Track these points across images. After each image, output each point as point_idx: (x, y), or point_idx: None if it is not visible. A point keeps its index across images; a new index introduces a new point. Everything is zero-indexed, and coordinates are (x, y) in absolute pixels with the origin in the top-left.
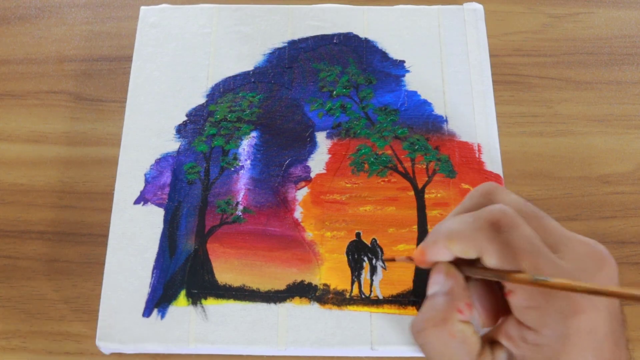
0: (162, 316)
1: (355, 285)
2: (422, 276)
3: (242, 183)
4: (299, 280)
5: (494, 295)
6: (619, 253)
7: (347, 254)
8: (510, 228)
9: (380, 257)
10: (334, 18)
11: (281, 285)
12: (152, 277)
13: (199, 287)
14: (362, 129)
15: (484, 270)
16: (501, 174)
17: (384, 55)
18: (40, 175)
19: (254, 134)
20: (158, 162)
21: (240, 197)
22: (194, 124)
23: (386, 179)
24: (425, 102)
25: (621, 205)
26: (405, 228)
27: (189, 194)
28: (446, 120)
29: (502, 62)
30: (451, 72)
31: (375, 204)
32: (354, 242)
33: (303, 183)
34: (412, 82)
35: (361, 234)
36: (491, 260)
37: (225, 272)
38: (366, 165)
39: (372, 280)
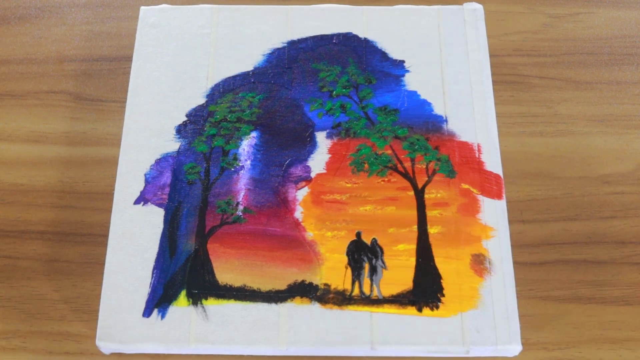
0: (163, 316)
1: (356, 285)
2: (422, 276)
3: (242, 183)
4: (299, 280)
5: None
6: (619, 253)
7: (348, 253)
8: None
9: (380, 256)
10: (333, 18)
11: (282, 285)
12: (152, 277)
13: (199, 287)
14: (362, 129)
15: None
16: (501, 174)
17: (383, 55)
18: (40, 175)
19: (254, 134)
20: (158, 162)
21: (240, 197)
22: (194, 124)
23: (386, 179)
24: (425, 102)
25: (621, 205)
26: (405, 228)
27: (189, 194)
28: (446, 120)
29: (502, 62)
30: (451, 72)
31: (376, 204)
32: (354, 242)
33: (303, 183)
34: (412, 82)
35: (361, 233)
36: None
37: (225, 272)
38: (366, 165)
39: (372, 280)
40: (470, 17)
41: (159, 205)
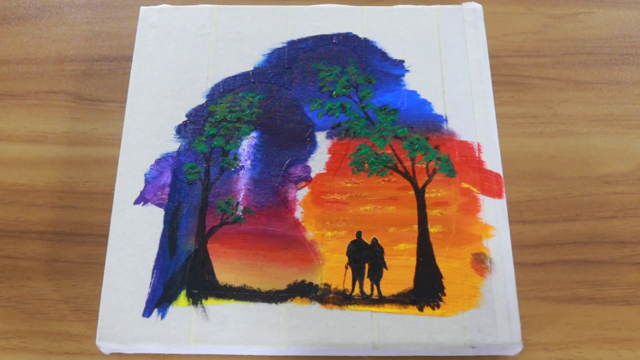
0: (163, 316)
1: (356, 284)
2: (423, 275)
3: (242, 183)
4: (299, 280)
5: None
6: (619, 253)
7: (348, 253)
8: None
9: (380, 256)
10: (333, 18)
11: (282, 285)
12: (152, 277)
13: (199, 287)
14: (362, 129)
15: None
16: (501, 173)
17: (383, 55)
18: (40, 175)
19: (254, 134)
20: (158, 162)
21: (240, 197)
22: (194, 124)
23: (386, 179)
24: (425, 102)
25: (621, 205)
26: (405, 227)
27: (189, 194)
28: (446, 120)
29: (502, 63)
30: (451, 71)
31: (376, 204)
32: (354, 242)
33: (303, 183)
34: (412, 81)
35: (362, 233)
36: None
37: (225, 272)
38: (366, 165)
39: (373, 280)
40: (469, 16)
41: (159, 205)
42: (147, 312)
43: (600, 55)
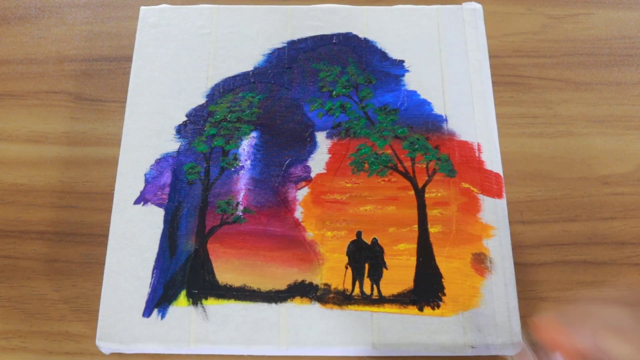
0: (163, 316)
1: (356, 284)
2: (423, 275)
3: (242, 183)
4: (299, 280)
5: None
6: (619, 254)
7: (348, 253)
8: None
9: (380, 256)
10: (333, 18)
11: (282, 285)
12: (152, 277)
13: (199, 287)
14: (362, 129)
15: None
16: (501, 173)
17: (383, 55)
18: (40, 175)
19: (254, 134)
20: (158, 162)
21: (240, 197)
22: (194, 124)
23: (386, 179)
24: (425, 102)
25: (621, 206)
26: (405, 227)
27: (189, 194)
28: (446, 120)
29: (502, 63)
30: (451, 71)
31: (376, 204)
32: (354, 242)
33: (303, 183)
34: (412, 81)
35: (362, 233)
36: None
37: (225, 272)
38: (366, 165)
39: (373, 280)
40: (469, 16)
41: (159, 205)
42: (147, 312)
43: (599, 56)
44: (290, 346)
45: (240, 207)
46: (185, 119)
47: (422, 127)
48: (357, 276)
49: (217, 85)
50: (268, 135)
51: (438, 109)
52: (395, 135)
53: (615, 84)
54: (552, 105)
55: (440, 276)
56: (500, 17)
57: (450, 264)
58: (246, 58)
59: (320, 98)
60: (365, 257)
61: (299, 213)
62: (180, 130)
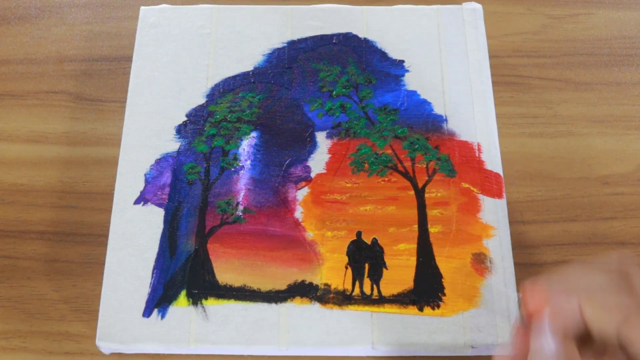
0: (163, 316)
1: (356, 284)
2: (423, 275)
3: (242, 183)
4: (299, 280)
5: None
6: None
7: (348, 253)
8: None
9: (380, 256)
10: (333, 18)
11: (282, 285)
12: (152, 277)
13: (199, 287)
14: (362, 129)
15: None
16: (501, 173)
17: (383, 55)
18: (40, 175)
19: (254, 134)
20: (158, 162)
21: (240, 197)
22: (194, 124)
23: (386, 179)
24: (425, 102)
25: (621, 206)
26: (405, 227)
27: (189, 194)
28: (446, 120)
29: (502, 63)
30: (451, 71)
31: (376, 204)
32: (354, 242)
33: (303, 183)
34: (412, 81)
35: (362, 233)
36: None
37: (225, 272)
38: (366, 165)
39: (373, 280)
40: (469, 16)
41: (159, 205)
42: (147, 312)
43: (599, 56)
44: (290, 346)
45: (240, 207)
46: (185, 119)
47: (422, 127)
48: (357, 276)
49: (217, 85)
50: (268, 135)
51: (438, 109)
52: (395, 135)
53: (615, 84)
54: (552, 105)
55: (440, 276)
56: (500, 17)
57: (450, 264)
58: (246, 58)
59: (320, 98)
60: (365, 257)
61: (299, 213)
62: (180, 130)
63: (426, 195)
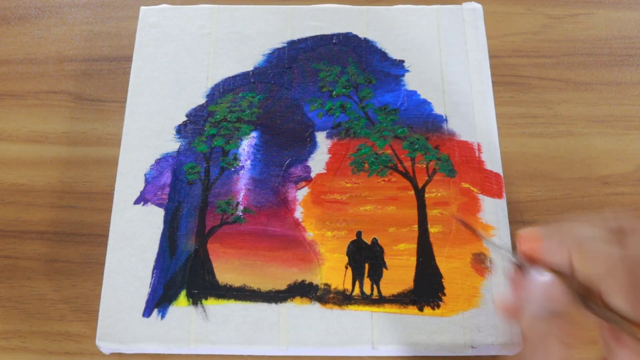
0: (163, 316)
1: (356, 284)
2: (423, 275)
3: (242, 183)
4: (299, 280)
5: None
6: None
7: (348, 253)
8: None
9: (380, 256)
10: (333, 18)
11: (282, 285)
12: (152, 277)
13: (199, 287)
14: (362, 129)
15: (589, 302)
16: (501, 173)
17: (383, 55)
18: (40, 175)
19: (254, 134)
20: (158, 162)
21: (240, 197)
22: (194, 124)
23: (386, 179)
24: (425, 102)
25: (621, 206)
26: (405, 227)
27: (189, 194)
28: (446, 120)
29: (502, 63)
30: (451, 71)
31: (376, 204)
32: (354, 242)
33: (303, 183)
34: (412, 81)
35: (362, 233)
36: (618, 291)
37: (225, 272)
38: (366, 165)
39: (373, 280)
40: (469, 16)
41: (159, 205)
42: (147, 312)
43: (599, 56)
44: (290, 346)
45: (240, 207)
46: (185, 119)
47: (422, 127)
48: (357, 276)
49: (217, 85)
50: (268, 135)
51: (438, 109)
52: (395, 135)
53: (615, 84)
54: (552, 105)
55: (440, 276)
56: (500, 17)
57: (450, 264)
58: (246, 58)
59: (320, 98)
60: (365, 257)
61: (299, 213)
62: (180, 130)
63: (426, 195)
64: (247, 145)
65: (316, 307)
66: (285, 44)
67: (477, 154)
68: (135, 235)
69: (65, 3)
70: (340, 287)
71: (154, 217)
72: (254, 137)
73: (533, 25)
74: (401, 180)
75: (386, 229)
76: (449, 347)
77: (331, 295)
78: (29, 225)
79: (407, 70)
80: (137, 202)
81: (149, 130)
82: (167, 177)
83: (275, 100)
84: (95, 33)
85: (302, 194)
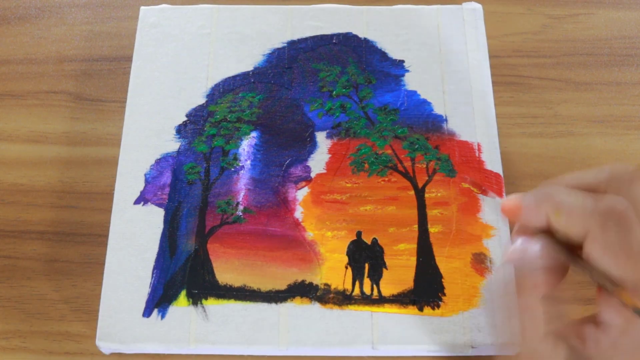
0: (163, 316)
1: (356, 284)
2: (423, 275)
3: (242, 183)
4: (299, 280)
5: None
6: None
7: (348, 253)
8: (627, 227)
9: (380, 256)
10: (333, 18)
11: (282, 285)
12: (152, 277)
13: (199, 287)
14: (362, 129)
15: (576, 260)
16: (501, 173)
17: (383, 55)
18: (40, 175)
19: (254, 134)
20: (158, 162)
21: (240, 197)
22: (194, 124)
23: (386, 179)
24: (425, 102)
25: None
26: (405, 227)
27: (189, 194)
28: (446, 120)
29: (502, 63)
30: (451, 71)
31: (376, 204)
32: (354, 242)
33: (303, 183)
34: (412, 81)
35: (362, 233)
36: (594, 249)
37: (225, 272)
38: (366, 165)
39: (373, 280)
40: (469, 16)
41: (159, 205)
42: (147, 312)
43: (600, 56)
44: (290, 346)
45: (240, 207)
46: (185, 119)
47: (422, 127)
48: (357, 276)
49: (217, 85)
50: (268, 135)
51: (438, 109)
52: (395, 135)
53: (615, 84)
54: (552, 105)
55: (440, 276)
56: (500, 17)
57: (450, 264)
58: (246, 58)
59: (320, 98)
60: (365, 257)
61: (299, 213)
62: (180, 130)
63: (426, 195)
64: (247, 145)
65: (316, 307)
66: (285, 44)
67: (477, 154)
68: (135, 235)
69: (65, 3)
70: (340, 287)
71: (154, 217)
72: (254, 137)
73: (533, 25)
74: (401, 180)
75: (386, 229)
76: (449, 347)
77: (331, 295)
78: (29, 225)
79: (407, 70)
80: (137, 202)
81: (149, 130)
82: (167, 177)
83: (275, 100)
84: (95, 33)
85: (302, 194)
